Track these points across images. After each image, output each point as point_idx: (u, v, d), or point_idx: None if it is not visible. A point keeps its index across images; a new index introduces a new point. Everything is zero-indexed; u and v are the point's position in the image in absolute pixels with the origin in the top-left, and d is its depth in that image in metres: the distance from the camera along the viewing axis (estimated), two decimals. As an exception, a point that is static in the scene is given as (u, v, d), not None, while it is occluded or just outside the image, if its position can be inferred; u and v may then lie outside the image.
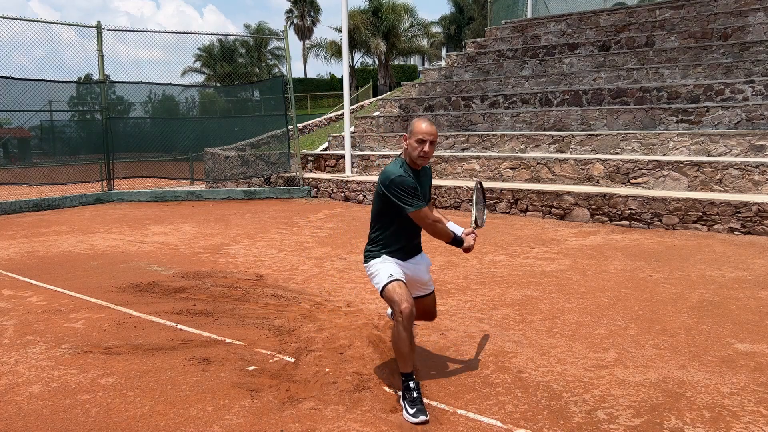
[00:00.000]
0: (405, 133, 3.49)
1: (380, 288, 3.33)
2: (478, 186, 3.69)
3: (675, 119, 10.57)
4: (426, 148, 3.35)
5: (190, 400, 3.30)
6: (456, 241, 3.44)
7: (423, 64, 45.81)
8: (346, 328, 4.43)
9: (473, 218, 3.60)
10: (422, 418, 3.04)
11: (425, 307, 3.69)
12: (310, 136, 18.04)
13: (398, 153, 13.66)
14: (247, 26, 51.42)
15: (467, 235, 3.49)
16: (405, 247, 3.50)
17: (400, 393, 3.22)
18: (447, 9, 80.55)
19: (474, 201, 3.61)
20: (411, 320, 3.17)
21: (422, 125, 3.38)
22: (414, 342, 3.32)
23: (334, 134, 15.34)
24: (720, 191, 8.61)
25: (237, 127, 16.59)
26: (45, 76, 12.73)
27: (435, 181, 11.06)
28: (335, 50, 39.98)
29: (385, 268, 3.37)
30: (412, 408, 3.09)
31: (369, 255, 3.51)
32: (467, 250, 3.47)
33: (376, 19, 38.40)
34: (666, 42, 13.55)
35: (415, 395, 3.12)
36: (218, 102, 23.47)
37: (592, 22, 15.75)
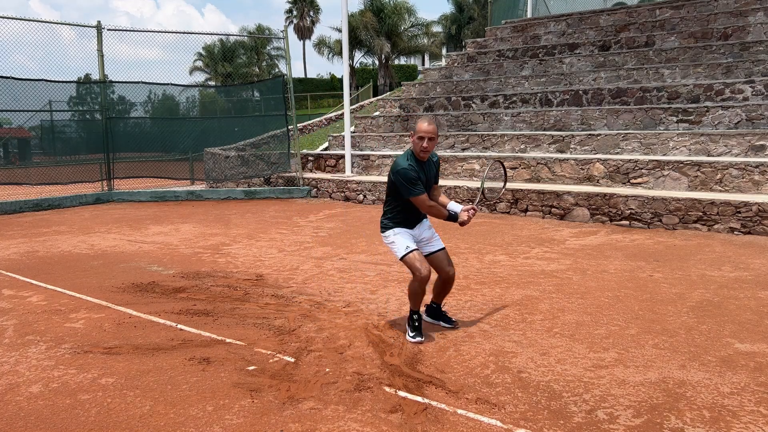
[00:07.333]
0: (410, 132, 4.15)
1: (399, 256, 4.15)
2: (496, 162, 4.58)
3: (675, 119, 10.57)
4: (425, 144, 4.03)
5: (190, 400, 3.30)
6: (451, 217, 4.12)
7: (423, 64, 45.82)
8: (346, 328, 4.43)
9: (480, 189, 4.29)
10: (419, 338, 4.12)
11: (438, 262, 4.31)
12: (310, 136, 18.04)
13: (398, 153, 13.65)
14: (243, 29, 51.49)
15: (465, 211, 4.09)
16: (410, 218, 4.23)
17: (408, 323, 4.25)
18: (447, 8, 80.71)
19: (485, 174, 4.43)
20: (426, 281, 4.07)
21: (423, 125, 4.05)
22: (425, 292, 4.20)
23: (334, 134, 15.34)
24: (720, 191, 8.60)
25: (237, 127, 16.59)
26: (45, 76, 12.74)
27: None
28: (340, 49, 40.07)
29: (401, 240, 4.16)
30: (413, 332, 4.16)
31: (385, 225, 4.26)
32: (462, 224, 4.10)
33: (379, 20, 38.41)
34: (666, 42, 13.54)
35: (416, 324, 4.18)
36: (218, 102, 23.45)
37: (592, 22, 15.74)
